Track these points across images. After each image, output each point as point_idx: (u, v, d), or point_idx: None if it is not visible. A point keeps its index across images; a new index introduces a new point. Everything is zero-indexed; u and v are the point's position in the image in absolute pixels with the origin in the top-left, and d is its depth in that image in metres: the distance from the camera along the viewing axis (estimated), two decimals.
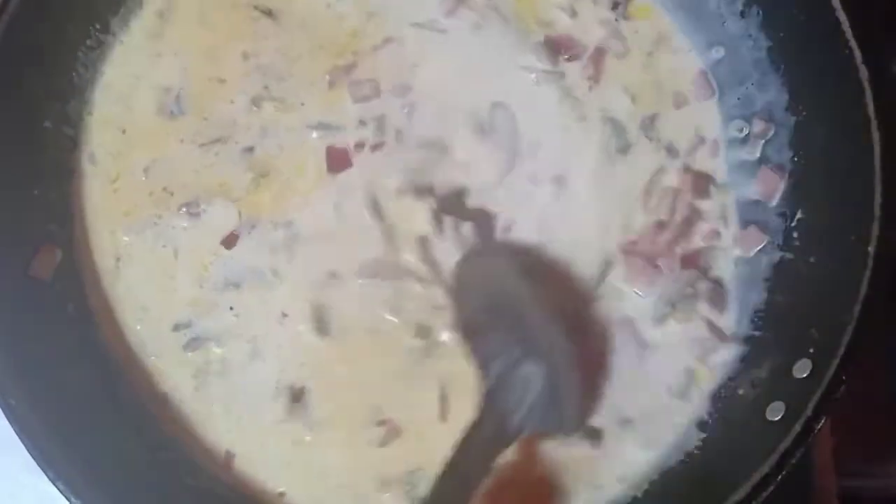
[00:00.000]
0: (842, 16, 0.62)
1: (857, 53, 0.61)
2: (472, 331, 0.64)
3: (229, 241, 0.68)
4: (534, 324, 0.63)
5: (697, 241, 0.70)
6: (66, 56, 0.68)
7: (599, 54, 0.72)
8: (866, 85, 0.61)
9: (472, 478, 0.57)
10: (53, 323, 0.64)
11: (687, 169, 0.71)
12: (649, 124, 0.71)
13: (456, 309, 0.65)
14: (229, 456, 0.66)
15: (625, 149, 0.70)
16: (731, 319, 0.69)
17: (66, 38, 0.68)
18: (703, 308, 0.69)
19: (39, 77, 0.66)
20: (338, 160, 0.69)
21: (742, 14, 0.69)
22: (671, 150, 0.71)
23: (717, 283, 0.70)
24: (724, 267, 0.70)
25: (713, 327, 0.69)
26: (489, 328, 0.63)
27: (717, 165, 0.72)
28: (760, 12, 0.68)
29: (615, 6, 0.72)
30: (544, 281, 0.67)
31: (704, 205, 0.71)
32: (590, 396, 0.66)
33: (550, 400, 0.61)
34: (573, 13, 0.72)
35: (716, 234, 0.71)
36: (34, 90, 0.66)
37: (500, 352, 0.62)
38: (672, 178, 0.71)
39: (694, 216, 0.70)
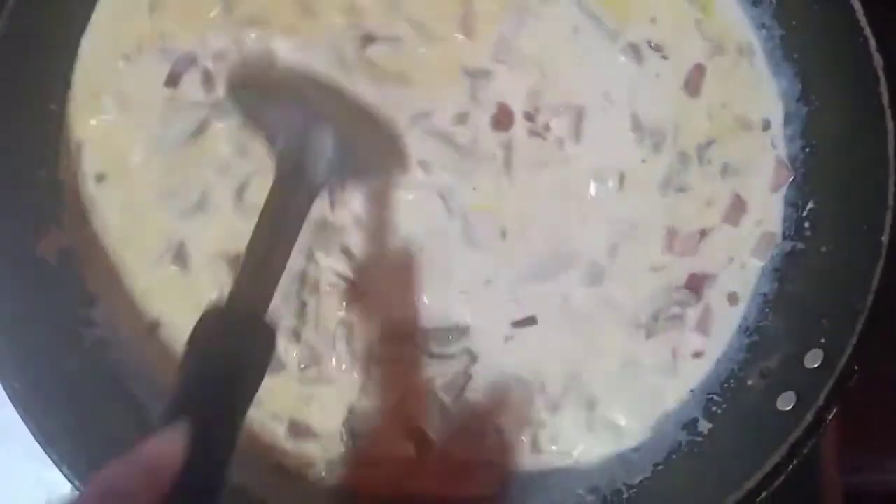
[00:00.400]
0: (856, 3, 0.61)
1: (872, 41, 0.60)
2: (252, 111, 0.64)
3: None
4: (316, 96, 0.65)
5: (709, 264, 0.69)
6: (72, 37, 0.67)
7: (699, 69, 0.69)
8: (881, 73, 0.60)
9: (288, 229, 0.57)
10: (58, 308, 0.64)
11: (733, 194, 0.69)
12: (705, 147, 0.69)
13: (232, 100, 0.65)
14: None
15: (684, 187, 0.69)
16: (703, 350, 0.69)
17: (71, 18, 0.67)
18: (682, 334, 0.68)
19: (45, 59, 0.65)
20: (504, 120, 0.67)
21: (755, 3, 0.69)
22: (726, 172, 0.69)
23: (709, 312, 0.69)
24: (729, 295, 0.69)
25: (677, 357, 0.68)
26: (269, 106, 0.64)
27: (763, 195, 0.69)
28: (773, 1, 0.68)
29: None
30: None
31: (729, 231, 0.69)
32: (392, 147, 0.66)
33: (346, 150, 0.61)
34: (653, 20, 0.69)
35: (729, 260, 0.69)
36: (40, 72, 0.65)
37: (284, 121, 0.62)
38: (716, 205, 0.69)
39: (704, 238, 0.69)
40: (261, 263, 0.54)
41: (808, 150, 0.68)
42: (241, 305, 0.52)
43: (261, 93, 0.66)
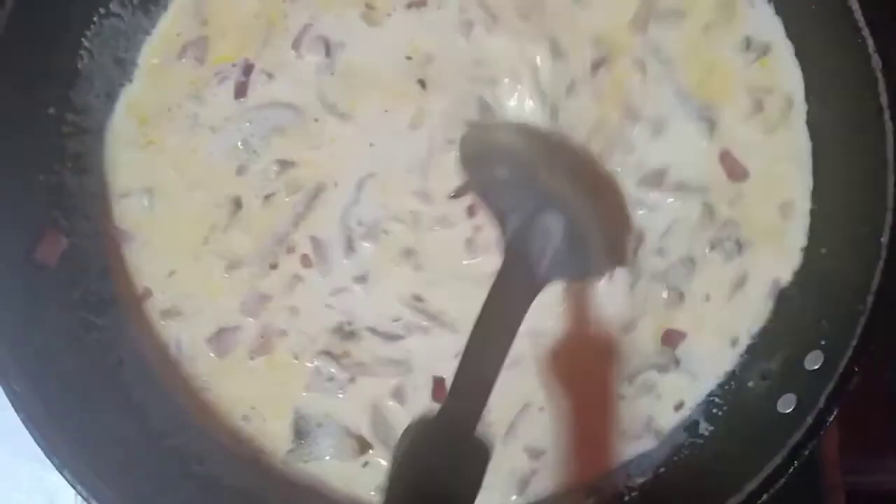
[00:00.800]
0: (854, 3, 0.60)
1: (870, 41, 0.60)
2: (485, 189, 0.63)
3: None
4: (546, 178, 0.62)
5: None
6: (70, 41, 0.67)
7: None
8: (879, 74, 0.60)
9: (505, 332, 0.54)
10: (59, 310, 0.64)
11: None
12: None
13: (466, 173, 0.64)
14: None
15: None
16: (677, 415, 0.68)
17: (70, 22, 0.67)
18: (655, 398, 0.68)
19: (43, 63, 0.65)
20: None
21: (752, 4, 0.68)
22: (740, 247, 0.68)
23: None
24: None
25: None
26: (501, 185, 0.62)
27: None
28: (771, 1, 0.68)
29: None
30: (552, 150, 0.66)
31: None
32: (615, 243, 0.66)
33: (573, 247, 0.60)
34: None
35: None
36: (37, 76, 0.65)
37: (515, 205, 0.60)
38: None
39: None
40: (474, 371, 0.52)
41: None
42: (454, 418, 0.49)
43: (491, 166, 0.63)
